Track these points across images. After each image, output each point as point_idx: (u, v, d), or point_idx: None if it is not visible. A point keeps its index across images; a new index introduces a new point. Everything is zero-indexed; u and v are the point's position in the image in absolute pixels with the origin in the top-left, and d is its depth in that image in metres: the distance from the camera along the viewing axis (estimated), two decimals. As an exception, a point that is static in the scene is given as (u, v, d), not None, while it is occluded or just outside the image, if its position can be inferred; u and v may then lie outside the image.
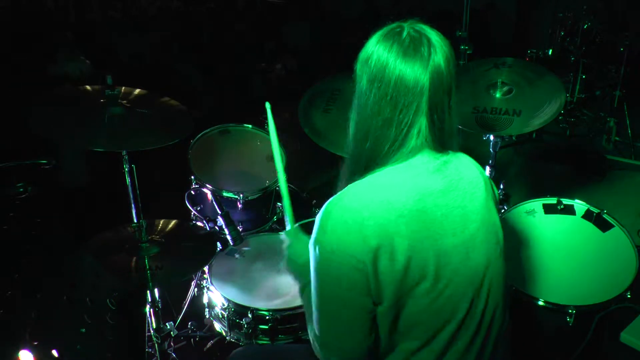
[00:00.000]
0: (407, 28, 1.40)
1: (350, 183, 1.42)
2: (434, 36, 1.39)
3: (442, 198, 1.39)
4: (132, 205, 2.30)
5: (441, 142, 1.43)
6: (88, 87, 2.32)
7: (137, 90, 2.35)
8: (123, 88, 2.30)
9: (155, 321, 2.45)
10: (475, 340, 1.46)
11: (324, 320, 1.41)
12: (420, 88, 1.36)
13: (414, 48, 1.36)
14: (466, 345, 1.45)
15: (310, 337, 1.50)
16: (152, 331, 2.45)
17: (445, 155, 1.44)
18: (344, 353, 1.42)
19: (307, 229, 2.62)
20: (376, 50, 1.39)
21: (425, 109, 1.37)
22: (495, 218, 1.50)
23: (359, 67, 1.43)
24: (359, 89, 1.43)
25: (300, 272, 1.66)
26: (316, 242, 1.37)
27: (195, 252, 2.33)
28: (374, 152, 1.42)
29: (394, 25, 1.42)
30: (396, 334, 1.42)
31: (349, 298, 1.36)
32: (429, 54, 1.36)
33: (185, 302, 2.66)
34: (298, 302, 2.10)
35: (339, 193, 1.40)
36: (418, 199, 1.36)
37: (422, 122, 1.38)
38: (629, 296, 2.13)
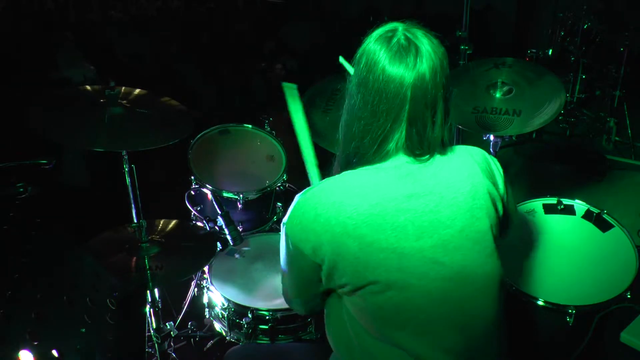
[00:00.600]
0: (400, 33, 1.38)
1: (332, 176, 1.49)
2: (424, 45, 1.37)
3: (407, 203, 1.39)
4: (132, 205, 2.30)
5: (422, 148, 1.42)
6: (88, 87, 2.32)
7: (137, 90, 2.35)
8: (123, 88, 2.30)
9: (155, 321, 2.45)
10: (456, 344, 1.45)
11: (284, 283, 1.62)
12: (400, 100, 1.36)
13: (399, 58, 1.36)
14: (448, 347, 1.44)
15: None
16: (152, 331, 2.45)
17: (424, 160, 1.43)
18: (303, 305, 1.62)
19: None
20: (366, 52, 1.40)
21: (404, 120, 1.38)
22: (482, 225, 1.44)
23: (354, 64, 1.44)
24: (349, 88, 1.46)
25: None
26: (285, 219, 1.48)
27: (195, 252, 2.33)
28: (357, 152, 1.46)
29: (389, 26, 1.42)
30: (358, 324, 1.47)
31: (295, 274, 1.53)
32: (414, 65, 1.35)
33: (185, 302, 2.66)
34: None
35: (310, 186, 1.48)
36: (375, 202, 1.38)
37: (401, 131, 1.40)
38: (629, 296, 2.13)
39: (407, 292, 1.39)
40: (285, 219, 1.48)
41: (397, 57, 1.36)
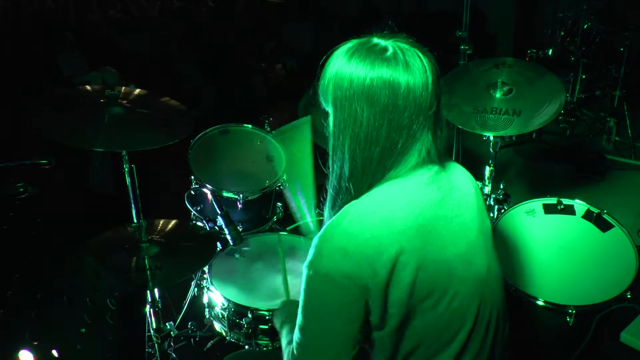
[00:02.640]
0: (388, 43, 1.33)
1: (345, 205, 1.37)
2: (413, 47, 1.33)
3: (439, 209, 1.36)
4: (132, 205, 2.30)
5: (440, 155, 1.39)
6: (88, 87, 2.33)
7: (137, 90, 2.35)
8: (123, 88, 2.31)
9: (155, 321, 2.45)
10: (483, 349, 1.44)
11: (306, 343, 1.37)
12: (429, 104, 1.31)
13: (412, 66, 1.30)
14: (474, 355, 1.43)
15: None
16: (152, 331, 2.45)
17: (438, 165, 1.40)
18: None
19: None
20: (377, 76, 1.29)
21: (431, 123, 1.34)
22: (488, 225, 1.49)
23: (342, 93, 1.33)
24: (356, 121, 1.33)
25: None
26: (310, 264, 1.32)
27: (195, 252, 2.33)
28: (373, 178, 1.37)
29: (371, 43, 1.34)
30: (401, 353, 1.39)
31: (336, 324, 1.32)
32: (424, 69, 1.30)
33: (185, 302, 2.66)
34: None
35: (336, 216, 1.35)
36: (418, 213, 1.33)
37: (428, 138, 1.34)
38: (629, 296, 2.13)
39: (456, 301, 1.36)
40: (310, 260, 1.32)
41: (410, 66, 1.30)
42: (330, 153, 1.42)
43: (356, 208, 1.34)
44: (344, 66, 1.33)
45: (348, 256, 1.28)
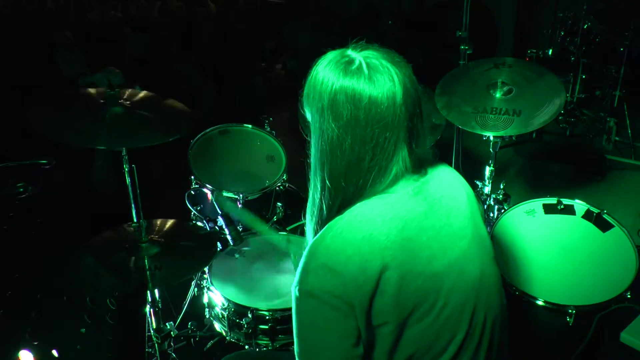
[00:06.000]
0: (356, 58, 1.32)
1: (323, 218, 1.37)
2: (382, 60, 1.31)
3: (426, 220, 1.35)
4: (132, 205, 2.30)
5: (419, 164, 1.38)
6: (90, 89, 2.32)
7: (143, 93, 2.35)
8: (127, 90, 2.31)
9: (155, 321, 2.45)
10: (479, 354, 1.43)
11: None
12: (398, 117, 1.30)
13: (377, 79, 1.29)
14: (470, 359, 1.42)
15: None
16: (152, 331, 2.45)
17: (424, 175, 1.40)
18: None
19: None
20: (339, 90, 1.30)
21: (404, 138, 1.32)
22: (483, 230, 1.47)
23: (314, 104, 1.35)
24: (323, 133, 1.34)
25: None
26: (297, 283, 1.31)
27: (195, 252, 2.33)
28: (354, 194, 1.35)
29: (344, 59, 1.33)
30: None
31: (327, 342, 1.30)
32: (392, 78, 1.29)
33: (185, 302, 2.66)
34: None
35: (320, 233, 1.35)
36: (402, 227, 1.31)
37: (403, 152, 1.33)
38: (629, 296, 2.13)
39: (446, 311, 1.34)
40: (297, 280, 1.31)
41: (375, 78, 1.29)
42: (312, 165, 1.42)
43: (340, 224, 1.33)
44: (317, 77, 1.35)
45: (331, 273, 1.27)
